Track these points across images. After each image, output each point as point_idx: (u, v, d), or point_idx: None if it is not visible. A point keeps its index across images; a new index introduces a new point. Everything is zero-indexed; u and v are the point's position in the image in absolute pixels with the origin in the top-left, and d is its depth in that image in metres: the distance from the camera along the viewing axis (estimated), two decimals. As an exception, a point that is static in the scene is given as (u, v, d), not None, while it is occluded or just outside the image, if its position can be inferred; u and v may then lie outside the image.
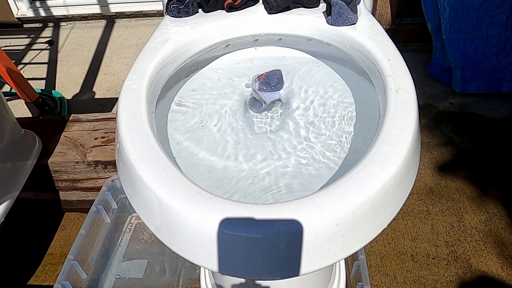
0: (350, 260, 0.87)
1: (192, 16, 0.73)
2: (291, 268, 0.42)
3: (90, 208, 0.97)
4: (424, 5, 1.46)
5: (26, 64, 1.89)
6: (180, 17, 0.73)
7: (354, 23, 0.69)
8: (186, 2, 0.72)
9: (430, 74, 1.52)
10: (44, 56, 1.94)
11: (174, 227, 0.43)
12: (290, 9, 0.73)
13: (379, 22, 0.69)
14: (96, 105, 1.59)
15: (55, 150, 1.06)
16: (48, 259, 1.04)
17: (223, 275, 0.68)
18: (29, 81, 1.37)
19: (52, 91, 1.61)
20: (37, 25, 2.20)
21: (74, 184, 1.08)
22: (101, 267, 0.96)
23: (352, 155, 0.61)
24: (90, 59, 1.88)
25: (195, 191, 0.43)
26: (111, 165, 1.03)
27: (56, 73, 1.81)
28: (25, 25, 2.20)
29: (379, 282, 0.92)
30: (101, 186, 1.01)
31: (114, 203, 1.03)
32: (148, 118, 0.53)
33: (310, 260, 0.41)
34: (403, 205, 0.48)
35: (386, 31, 0.66)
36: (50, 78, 1.77)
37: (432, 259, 0.96)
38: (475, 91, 1.41)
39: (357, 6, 0.72)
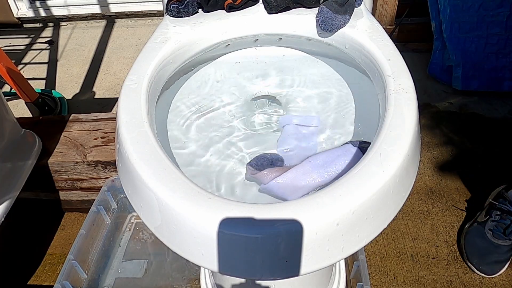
0: (350, 260, 0.87)
1: (192, 16, 0.73)
2: (291, 268, 0.42)
3: (90, 208, 0.97)
4: (429, 3, 1.46)
5: (26, 64, 1.89)
6: (180, 17, 0.73)
7: (342, 27, 0.67)
8: (186, 2, 0.72)
9: (430, 74, 1.52)
10: (44, 56, 1.94)
11: (174, 227, 0.43)
12: (290, 9, 0.73)
13: (379, 22, 0.69)
14: (96, 105, 1.59)
15: (55, 150, 1.06)
16: (48, 259, 1.04)
17: (223, 275, 0.68)
18: (29, 81, 1.37)
19: (52, 91, 1.61)
20: (37, 25, 2.20)
21: (74, 184, 1.08)
22: (101, 267, 0.96)
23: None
24: (90, 59, 1.88)
25: (195, 191, 0.43)
26: (111, 165, 1.03)
27: (56, 73, 1.80)
28: (25, 25, 2.20)
29: (379, 282, 0.92)
30: (101, 186, 1.01)
31: (114, 203, 1.03)
32: (148, 118, 0.53)
33: (310, 260, 0.41)
34: (403, 205, 0.48)
35: (386, 31, 0.66)
36: (50, 78, 1.77)
37: (432, 259, 0.96)
38: (476, 89, 1.41)
39: (357, 8, 0.71)
